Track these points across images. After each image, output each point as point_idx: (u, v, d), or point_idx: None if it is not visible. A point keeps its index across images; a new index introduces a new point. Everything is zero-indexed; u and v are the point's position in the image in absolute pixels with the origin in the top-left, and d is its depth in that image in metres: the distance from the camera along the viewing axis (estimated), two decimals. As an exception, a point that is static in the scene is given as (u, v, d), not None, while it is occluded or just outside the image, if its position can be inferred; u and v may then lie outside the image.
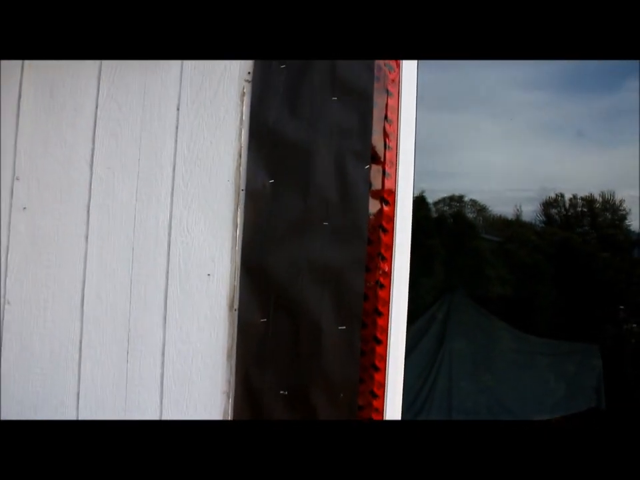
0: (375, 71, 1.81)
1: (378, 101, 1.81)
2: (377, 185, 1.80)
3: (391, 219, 1.80)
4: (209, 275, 1.80)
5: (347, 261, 1.76)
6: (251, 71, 1.85)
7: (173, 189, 1.84)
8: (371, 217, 1.78)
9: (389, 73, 1.83)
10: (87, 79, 1.91)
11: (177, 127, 1.86)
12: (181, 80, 1.87)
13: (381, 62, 1.82)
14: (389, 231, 1.80)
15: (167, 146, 1.86)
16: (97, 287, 1.85)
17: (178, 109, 1.87)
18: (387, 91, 1.82)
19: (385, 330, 1.78)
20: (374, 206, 1.79)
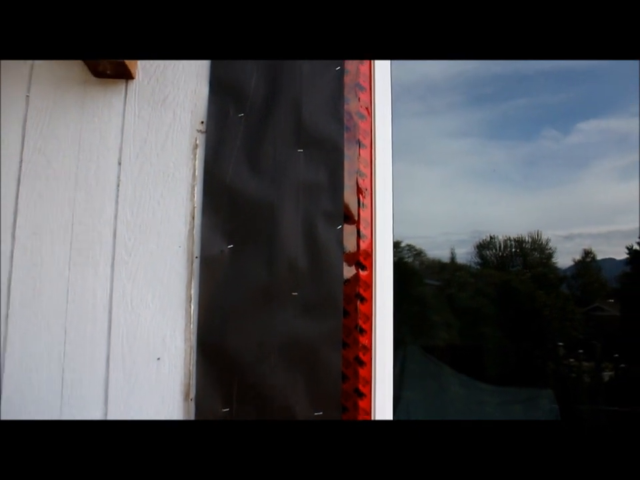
0: (345, 119, 1.62)
1: (349, 152, 1.62)
2: (351, 247, 1.59)
3: (369, 285, 1.59)
4: (158, 359, 1.52)
5: (320, 337, 1.53)
6: (204, 119, 1.62)
7: (113, 258, 1.57)
8: (345, 284, 1.56)
9: (360, 121, 1.64)
10: (8, 128, 1.62)
11: (118, 185, 1.59)
12: (122, 130, 1.62)
13: (351, 110, 1.63)
14: (367, 299, 1.58)
15: (106, 207, 1.59)
16: (18, 379, 1.52)
17: (119, 164, 1.60)
18: (359, 142, 1.63)
19: (368, 413, 1.55)
20: (349, 272, 1.58)
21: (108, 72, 1.59)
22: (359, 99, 1.66)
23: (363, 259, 1.59)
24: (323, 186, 1.59)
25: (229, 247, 1.55)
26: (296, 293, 1.54)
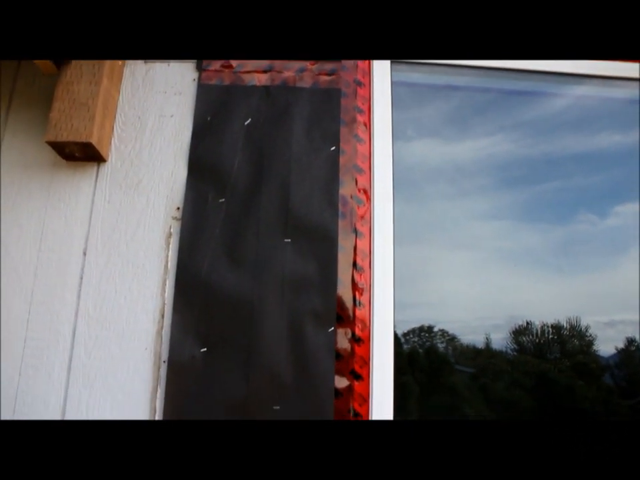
0: (340, 205, 1.43)
1: (344, 243, 1.41)
2: (344, 354, 1.35)
3: (365, 400, 1.34)
4: (113, 483, 1.29)
5: (305, 462, 1.28)
6: (180, 205, 1.44)
7: (70, 361, 1.37)
8: (337, 398, 1.32)
9: (358, 207, 1.44)
10: (-29, 214, 1.48)
11: (81, 278, 1.41)
12: (90, 217, 1.45)
13: (347, 194, 1.44)
14: (363, 416, 1.33)
15: (67, 302, 1.40)
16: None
17: (84, 254, 1.43)
18: (356, 231, 1.43)
19: None
20: (341, 383, 1.34)
21: (76, 154, 1.44)
22: (356, 181, 1.47)
23: (359, 368, 1.35)
24: (313, 281, 1.38)
25: (202, 350, 1.34)
26: (278, 407, 1.30)
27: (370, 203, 1.46)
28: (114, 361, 1.36)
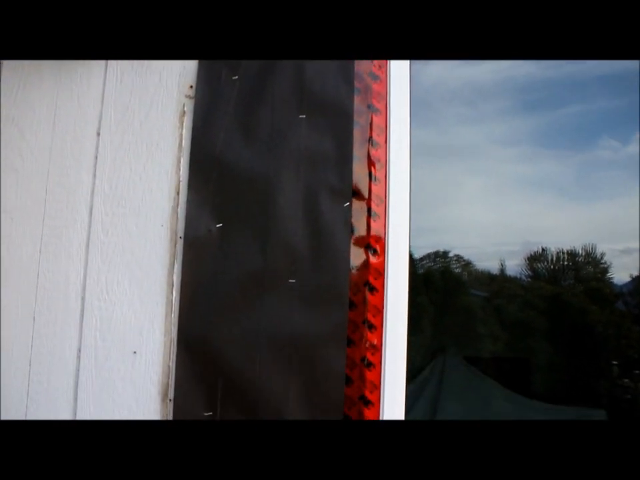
0: (355, 81, 1.40)
1: (360, 119, 1.39)
2: (360, 228, 1.36)
3: (381, 273, 1.35)
4: (134, 352, 1.33)
5: (321, 332, 1.30)
6: (193, 84, 1.42)
7: (88, 238, 1.39)
8: (353, 271, 1.33)
9: (374, 83, 1.41)
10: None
11: (95, 157, 1.42)
12: (102, 97, 1.44)
13: (362, 70, 1.41)
14: (379, 289, 1.34)
15: (83, 182, 1.41)
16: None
17: (98, 134, 1.43)
18: (372, 107, 1.41)
19: (376, 425, 1.31)
20: (357, 256, 1.35)
21: (86, 31, 1.42)
22: (372, 58, 1.44)
23: (374, 242, 1.36)
24: (329, 157, 1.37)
25: (218, 226, 1.35)
26: (294, 281, 1.32)
27: (387, 79, 1.43)
28: (131, 237, 1.38)
